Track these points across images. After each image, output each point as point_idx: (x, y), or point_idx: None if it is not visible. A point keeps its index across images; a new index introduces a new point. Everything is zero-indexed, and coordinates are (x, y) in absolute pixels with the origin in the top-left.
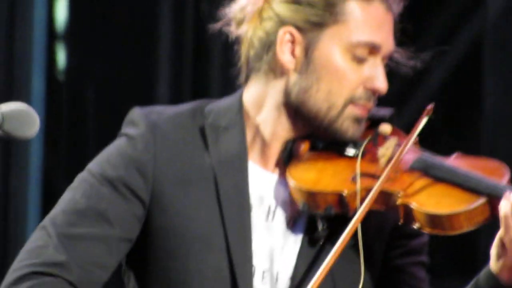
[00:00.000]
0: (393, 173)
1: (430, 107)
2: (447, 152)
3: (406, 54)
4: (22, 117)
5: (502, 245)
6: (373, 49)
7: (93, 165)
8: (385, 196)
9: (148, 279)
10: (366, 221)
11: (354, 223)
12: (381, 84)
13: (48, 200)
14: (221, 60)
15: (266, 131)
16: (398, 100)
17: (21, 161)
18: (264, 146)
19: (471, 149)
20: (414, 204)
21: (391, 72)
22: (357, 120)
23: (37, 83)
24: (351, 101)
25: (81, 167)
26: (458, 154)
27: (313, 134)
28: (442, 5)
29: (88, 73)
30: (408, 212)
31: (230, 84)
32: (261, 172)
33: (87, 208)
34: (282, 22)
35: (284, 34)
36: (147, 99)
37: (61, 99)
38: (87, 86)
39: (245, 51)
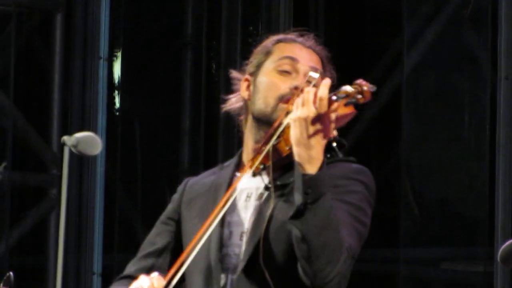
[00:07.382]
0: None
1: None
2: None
3: None
4: (90, 141)
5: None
6: (292, 61)
7: (162, 215)
8: (276, 146)
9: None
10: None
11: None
12: (301, 82)
13: (109, 196)
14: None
15: (249, 145)
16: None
17: (90, 170)
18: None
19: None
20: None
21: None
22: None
23: (101, 118)
24: (280, 99)
25: (131, 175)
26: None
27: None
28: (371, 63)
29: (135, 111)
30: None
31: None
32: (247, 176)
33: (150, 241)
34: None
35: (244, 81)
36: (174, 128)
37: (117, 129)
38: (134, 120)
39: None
